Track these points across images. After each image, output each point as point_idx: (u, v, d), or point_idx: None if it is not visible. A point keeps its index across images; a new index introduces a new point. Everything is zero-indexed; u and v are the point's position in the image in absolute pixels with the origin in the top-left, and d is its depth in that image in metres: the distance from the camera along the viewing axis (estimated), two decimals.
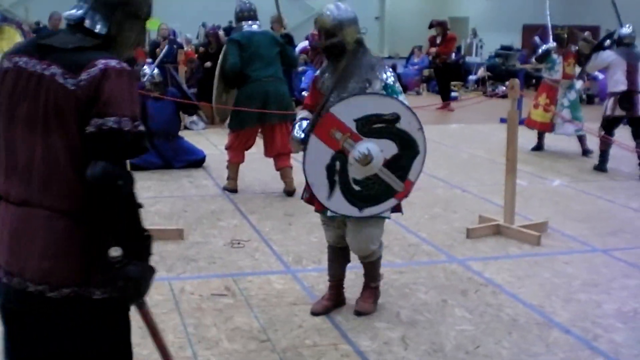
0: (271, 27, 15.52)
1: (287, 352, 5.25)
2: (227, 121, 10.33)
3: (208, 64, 16.52)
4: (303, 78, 18.05)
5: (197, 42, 21.44)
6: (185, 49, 18.15)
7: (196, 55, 18.04)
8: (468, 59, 29.04)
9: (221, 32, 18.46)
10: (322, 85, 5.92)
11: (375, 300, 6.09)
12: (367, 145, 5.39)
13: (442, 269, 7.05)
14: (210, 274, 6.87)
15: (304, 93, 16.38)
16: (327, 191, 5.46)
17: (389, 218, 5.99)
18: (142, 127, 3.21)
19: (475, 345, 5.41)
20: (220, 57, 10.11)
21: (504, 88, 16.63)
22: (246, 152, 10.08)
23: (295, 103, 16.04)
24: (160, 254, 7.28)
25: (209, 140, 13.49)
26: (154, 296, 6.21)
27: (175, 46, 17.42)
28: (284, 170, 9.93)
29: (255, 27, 10.16)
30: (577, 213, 9.29)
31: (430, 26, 20.77)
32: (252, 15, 10.27)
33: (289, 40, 15.52)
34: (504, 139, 8.11)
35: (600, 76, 22.96)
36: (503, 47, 29.26)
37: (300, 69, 18.85)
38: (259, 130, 10.16)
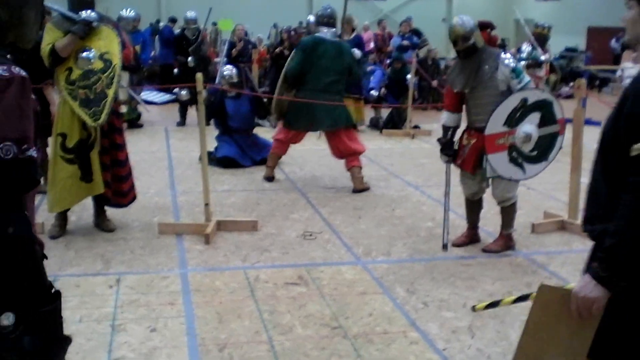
0: (341, 28, 15.58)
1: (358, 339, 5.31)
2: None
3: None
4: (372, 78, 18.04)
5: (269, 42, 21.57)
6: (258, 48, 18.27)
7: (268, 55, 18.15)
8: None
9: (293, 33, 18.59)
10: (454, 81, 7.30)
11: (504, 245, 7.35)
12: (523, 129, 6.87)
13: (507, 262, 7.05)
14: (283, 264, 6.95)
15: (373, 92, 16.44)
16: (517, 170, 7.01)
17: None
18: (32, 152, 2.51)
19: None
20: (288, 61, 10.24)
21: (568, 89, 16.48)
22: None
23: (365, 102, 16.13)
24: (235, 244, 7.43)
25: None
26: (231, 283, 6.34)
27: (249, 46, 17.57)
28: (352, 170, 9.99)
29: (329, 34, 10.19)
30: None
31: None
32: (329, 22, 10.32)
33: (358, 41, 15.58)
34: (568, 138, 8.07)
35: None
36: (568, 49, 28.98)
37: (369, 68, 18.86)
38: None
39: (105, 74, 7.25)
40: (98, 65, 7.26)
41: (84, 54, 7.23)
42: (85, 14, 7.23)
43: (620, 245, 2.82)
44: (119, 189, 7.72)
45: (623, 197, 2.82)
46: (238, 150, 11.46)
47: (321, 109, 9.86)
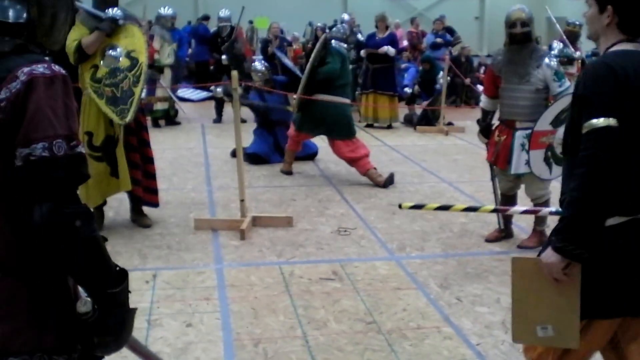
0: (375, 26, 15.56)
1: (392, 334, 5.28)
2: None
3: None
4: (406, 75, 18.00)
5: (304, 40, 21.57)
6: (294, 46, 18.26)
7: (304, 52, 18.15)
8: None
9: (328, 30, 18.60)
10: (498, 68, 7.34)
11: (538, 242, 7.13)
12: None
13: None
14: (318, 259, 6.93)
15: (407, 89, 16.43)
16: (546, 169, 6.89)
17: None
18: (80, 149, 2.48)
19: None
20: (313, 55, 10.18)
21: None
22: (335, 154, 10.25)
23: (398, 99, 16.11)
24: (271, 239, 7.42)
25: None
26: (265, 279, 6.33)
27: (285, 43, 17.57)
28: (368, 174, 10.01)
29: (343, 48, 10.66)
30: None
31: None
32: (344, 39, 11.02)
33: (392, 39, 15.55)
34: None
35: None
36: None
37: (403, 65, 18.83)
38: None
39: (132, 72, 7.23)
40: (125, 63, 7.25)
41: (111, 51, 7.22)
42: (111, 11, 7.23)
43: (569, 218, 3.17)
44: (151, 186, 7.75)
45: (575, 171, 3.15)
46: (272, 145, 11.45)
47: (334, 117, 10.10)
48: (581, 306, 3.26)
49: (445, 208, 5.38)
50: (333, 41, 10.46)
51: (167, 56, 15.07)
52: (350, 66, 12.30)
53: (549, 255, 3.23)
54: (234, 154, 10.43)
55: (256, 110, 11.73)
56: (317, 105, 10.04)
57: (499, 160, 7.27)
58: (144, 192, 7.67)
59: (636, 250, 3.24)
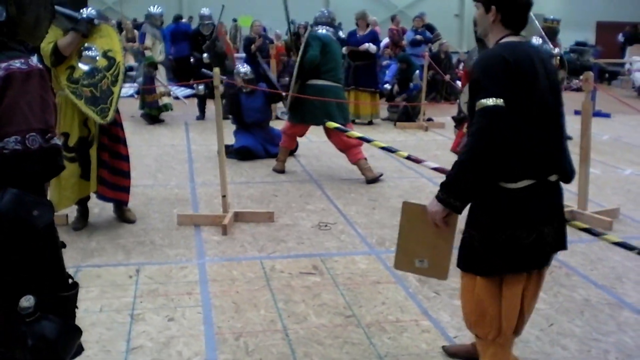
0: (356, 24, 15.55)
1: (371, 327, 5.27)
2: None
3: None
4: (387, 71, 17.98)
5: (287, 37, 21.49)
6: (276, 44, 18.22)
7: (286, 50, 18.10)
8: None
9: (309, 28, 18.55)
10: (470, 65, 7.37)
11: None
12: None
13: None
14: (299, 254, 6.92)
15: (387, 86, 16.44)
16: None
17: None
18: (56, 141, 2.53)
19: (549, 323, 5.37)
20: (301, 49, 10.14)
21: (578, 82, 16.39)
22: (331, 142, 10.11)
23: (380, 95, 16.11)
24: (252, 235, 7.41)
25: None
26: (247, 273, 6.32)
27: (267, 42, 17.53)
28: (358, 163, 9.93)
29: (330, 33, 10.42)
30: None
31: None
32: (328, 23, 10.61)
33: (373, 37, 15.55)
34: (578, 130, 8.00)
35: None
36: (578, 43, 28.79)
37: (384, 62, 18.82)
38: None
39: (110, 72, 7.20)
40: (102, 63, 7.22)
41: (89, 52, 7.17)
42: (86, 12, 7.17)
43: (452, 177, 3.76)
44: (120, 183, 7.64)
45: (465, 142, 3.76)
46: (255, 141, 11.42)
47: (334, 104, 9.89)
48: (497, 263, 3.82)
49: (367, 140, 6.46)
50: (318, 27, 10.39)
51: (159, 53, 15.11)
52: None
53: (434, 205, 3.84)
54: (226, 151, 10.43)
55: (231, 110, 11.69)
56: (309, 93, 9.91)
57: None
58: (111, 190, 7.59)
59: (542, 206, 3.83)
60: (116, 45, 7.32)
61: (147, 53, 14.89)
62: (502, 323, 3.98)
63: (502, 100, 3.59)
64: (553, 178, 3.90)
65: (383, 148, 6.44)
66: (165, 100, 15.19)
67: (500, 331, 4.01)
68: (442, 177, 3.93)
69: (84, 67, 7.16)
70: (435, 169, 6.03)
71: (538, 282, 4.07)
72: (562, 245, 4.08)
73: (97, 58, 7.20)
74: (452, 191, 3.76)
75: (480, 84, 3.69)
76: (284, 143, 10.56)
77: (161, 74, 15.21)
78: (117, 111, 7.42)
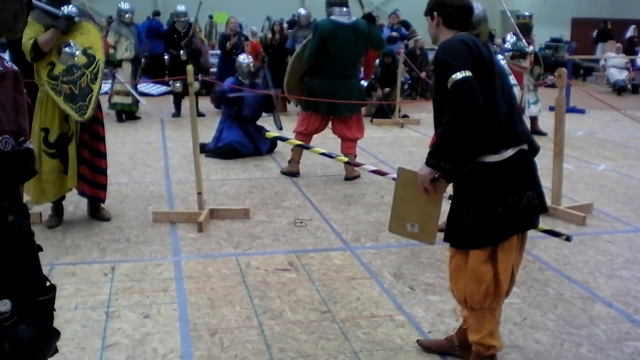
0: None
1: (346, 323, 5.31)
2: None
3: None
4: (362, 68, 18.01)
5: (262, 34, 21.53)
6: (251, 40, 18.23)
7: (262, 47, 18.11)
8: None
9: (285, 25, 18.56)
10: None
11: None
12: None
13: None
14: (274, 251, 6.94)
15: (362, 82, 16.45)
16: None
17: None
18: (29, 144, 2.46)
19: (522, 317, 5.43)
20: (300, 46, 10.03)
21: (553, 78, 16.49)
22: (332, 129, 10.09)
23: None
24: (228, 231, 7.43)
25: (272, 127, 13.46)
26: (222, 270, 6.34)
27: (242, 38, 17.54)
28: (348, 157, 9.77)
29: (344, 18, 9.77)
30: (621, 195, 9.24)
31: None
32: (342, 2, 9.85)
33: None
34: (552, 125, 8.07)
35: None
36: (553, 39, 28.95)
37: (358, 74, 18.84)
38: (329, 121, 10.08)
39: (89, 69, 7.21)
40: (82, 60, 7.22)
41: (67, 49, 7.18)
42: (66, 9, 7.18)
43: (440, 143, 4.12)
44: (98, 180, 7.65)
45: (446, 113, 4.07)
46: (244, 137, 11.40)
47: (341, 97, 9.71)
48: (494, 232, 4.20)
49: (306, 147, 7.16)
50: (331, 9, 9.85)
51: (124, 50, 14.95)
52: None
53: (423, 169, 4.22)
54: (202, 149, 10.41)
55: (232, 101, 11.60)
56: (314, 85, 9.77)
57: None
58: (90, 187, 7.59)
59: (525, 173, 4.24)
60: (97, 43, 7.32)
61: (110, 51, 14.62)
62: (499, 287, 4.31)
63: (469, 72, 3.98)
64: (525, 147, 4.27)
65: (323, 154, 6.80)
66: (118, 99, 14.99)
67: (496, 296, 4.33)
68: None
69: (62, 63, 7.18)
70: (374, 172, 6.15)
71: (523, 243, 4.43)
72: (544, 208, 4.40)
73: (76, 55, 7.20)
74: (441, 155, 4.12)
75: (446, 63, 4.07)
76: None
77: (125, 72, 14.98)
78: (99, 108, 7.44)
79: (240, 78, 11.69)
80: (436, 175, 4.22)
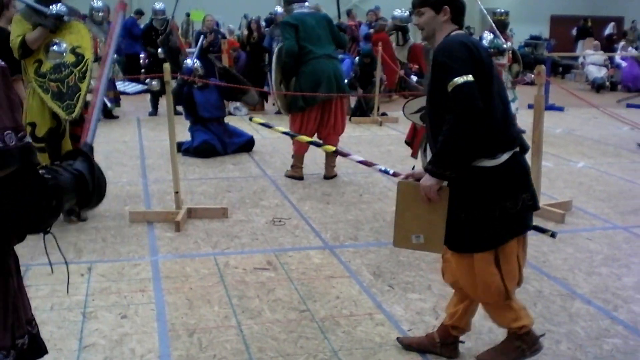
0: None
1: (325, 322, 5.32)
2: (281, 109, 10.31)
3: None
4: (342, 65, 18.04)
5: (240, 32, 21.50)
6: (228, 38, 18.21)
7: (239, 44, 18.08)
8: None
9: (262, 23, 18.53)
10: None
11: None
12: None
13: None
14: (253, 250, 6.94)
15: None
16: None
17: None
18: (28, 139, 2.42)
19: None
20: (277, 48, 10.03)
21: (533, 76, 16.53)
22: (287, 137, 10.01)
23: None
24: (206, 231, 7.42)
25: (251, 126, 13.47)
26: (201, 270, 6.33)
27: (219, 36, 17.50)
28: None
29: (305, 9, 9.91)
30: (599, 193, 9.30)
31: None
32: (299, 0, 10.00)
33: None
34: (530, 123, 8.11)
35: (624, 64, 22.84)
36: (532, 37, 29.09)
37: (339, 57, 18.84)
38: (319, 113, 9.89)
39: (78, 68, 7.22)
40: (70, 59, 7.24)
41: (55, 47, 7.21)
42: (55, 7, 7.17)
43: (442, 150, 4.11)
44: None
45: (447, 119, 4.07)
46: (213, 137, 11.37)
47: (330, 75, 9.65)
48: (494, 236, 4.26)
49: (292, 136, 7.38)
50: (291, 5, 9.98)
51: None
52: None
53: (427, 179, 4.18)
54: (179, 148, 10.40)
55: (184, 107, 11.63)
56: (301, 75, 9.67)
57: (414, 144, 7.91)
58: None
59: (519, 176, 4.28)
60: (86, 42, 7.34)
61: None
62: (508, 285, 4.37)
63: (470, 76, 4.00)
64: (517, 149, 4.29)
65: (310, 142, 6.86)
66: (90, 97, 14.92)
67: (508, 292, 4.41)
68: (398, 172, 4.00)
69: (50, 61, 7.19)
70: (361, 162, 6.07)
71: (525, 241, 4.48)
72: (537, 207, 4.45)
73: (64, 53, 7.21)
74: (444, 163, 4.13)
75: (447, 66, 4.07)
76: (297, 151, 9.90)
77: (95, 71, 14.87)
78: (86, 107, 7.43)
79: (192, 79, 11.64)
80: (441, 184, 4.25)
